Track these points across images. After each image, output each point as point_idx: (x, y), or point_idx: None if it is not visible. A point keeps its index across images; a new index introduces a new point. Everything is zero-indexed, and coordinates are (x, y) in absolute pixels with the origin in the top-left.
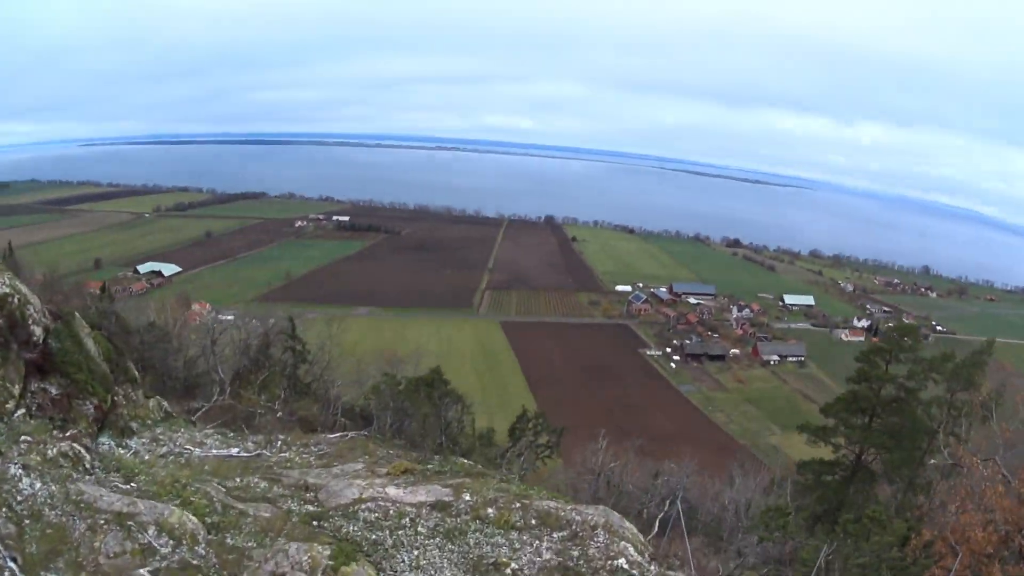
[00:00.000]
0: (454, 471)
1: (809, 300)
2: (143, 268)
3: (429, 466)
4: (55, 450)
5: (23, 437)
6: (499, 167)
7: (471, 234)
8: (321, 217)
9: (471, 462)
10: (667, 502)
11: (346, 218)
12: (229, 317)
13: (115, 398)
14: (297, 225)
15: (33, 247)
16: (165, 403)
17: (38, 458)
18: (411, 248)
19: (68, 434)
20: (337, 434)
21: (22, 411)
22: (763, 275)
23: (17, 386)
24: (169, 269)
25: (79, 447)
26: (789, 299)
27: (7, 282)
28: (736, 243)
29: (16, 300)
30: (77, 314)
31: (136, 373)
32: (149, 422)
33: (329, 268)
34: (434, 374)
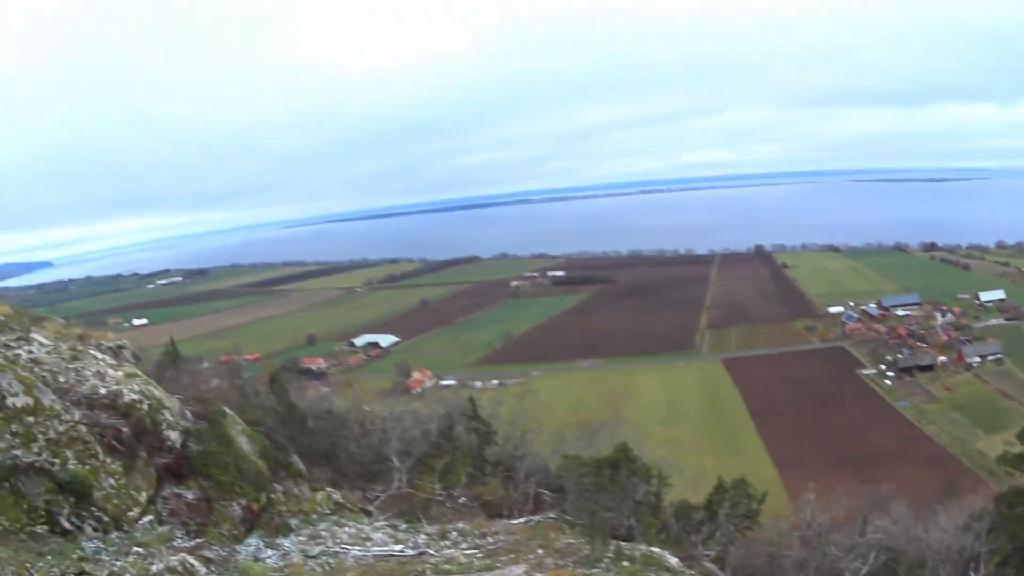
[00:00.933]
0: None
1: (1000, 294)
2: (359, 341)
3: (594, 571)
4: (161, 565)
5: (135, 548)
6: (703, 203)
7: (686, 273)
8: (536, 274)
9: (648, 548)
10: (872, 554)
11: (561, 272)
12: (451, 382)
13: (271, 496)
14: (513, 285)
15: (240, 328)
16: (337, 495)
17: (137, 573)
18: (628, 295)
19: (193, 543)
20: (521, 520)
21: (149, 518)
22: (959, 275)
23: (144, 493)
24: (387, 340)
25: (194, 560)
26: (984, 296)
27: (138, 388)
28: (933, 246)
29: (147, 406)
30: (228, 411)
31: (301, 467)
32: (315, 516)
33: (548, 324)
34: (620, 453)
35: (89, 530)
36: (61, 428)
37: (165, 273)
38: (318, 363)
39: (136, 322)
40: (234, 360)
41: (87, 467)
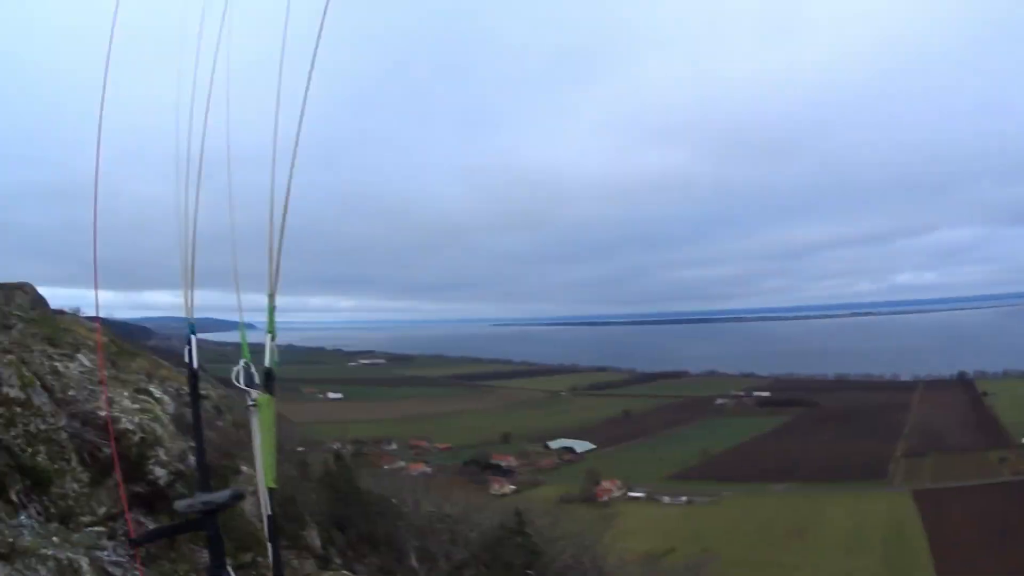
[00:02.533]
0: None
1: None
2: (554, 444)
3: None
4: (61, 555)
5: (53, 538)
6: (910, 326)
7: (887, 400)
8: (742, 393)
9: None
10: None
11: (766, 393)
12: (640, 494)
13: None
14: (717, 403)
15: (437, 418)
16: None
17: (30, 547)
18: (829, 420)
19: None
20: None
21: (100, 530)
22: None
23: (105, 508)
24: (582, 446)
25: (86, 561)
26: None
27: (137, 420)
28: None
29: (138, 438)
30: (245, 469)
31: (313, 542)
32: None
33: (747, 445)
34: None
35: (33, 511)
36: (43, 426)
37: (369, 354)
38: (508, 460)
39: (331, 395)
40: (423, 446)
41: (55, 466)
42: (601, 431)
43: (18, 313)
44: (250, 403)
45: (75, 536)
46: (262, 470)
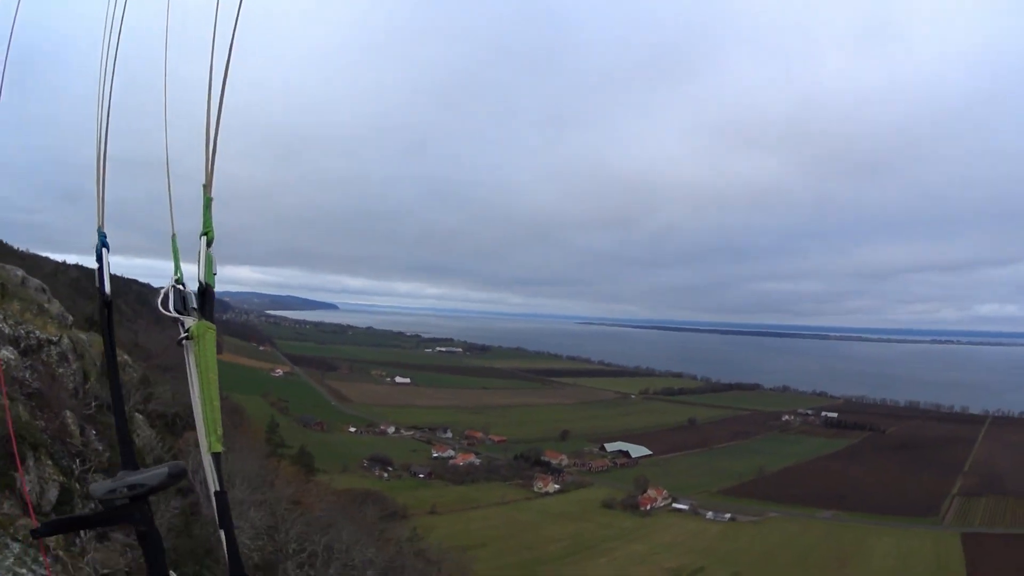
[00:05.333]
0: None
1: None
2: (611, 446)
3: None
4: None
5: None
6: (988, 359)
7: (953, 432)
8: (810, 412)
9: None
10: None
11: (834, 414)
12: (684, 507)
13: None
14: (784, 419)
15: (501, 409)
16: None
17: None
18: (891, 448)
19: None
20: None
21: None
22: None
23: None
24: (638, 451)
25: None
26: None
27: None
28: None
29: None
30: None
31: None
32: None
33: (805, 466)
34: None
35: None
36: None
37: (447, 342)
38: (560, 459)
39: (399, 379)
40: (478, 437)
41: None
42: (662, 437)
43: None
44: (183, 335)
45: None
46: (203, 427)
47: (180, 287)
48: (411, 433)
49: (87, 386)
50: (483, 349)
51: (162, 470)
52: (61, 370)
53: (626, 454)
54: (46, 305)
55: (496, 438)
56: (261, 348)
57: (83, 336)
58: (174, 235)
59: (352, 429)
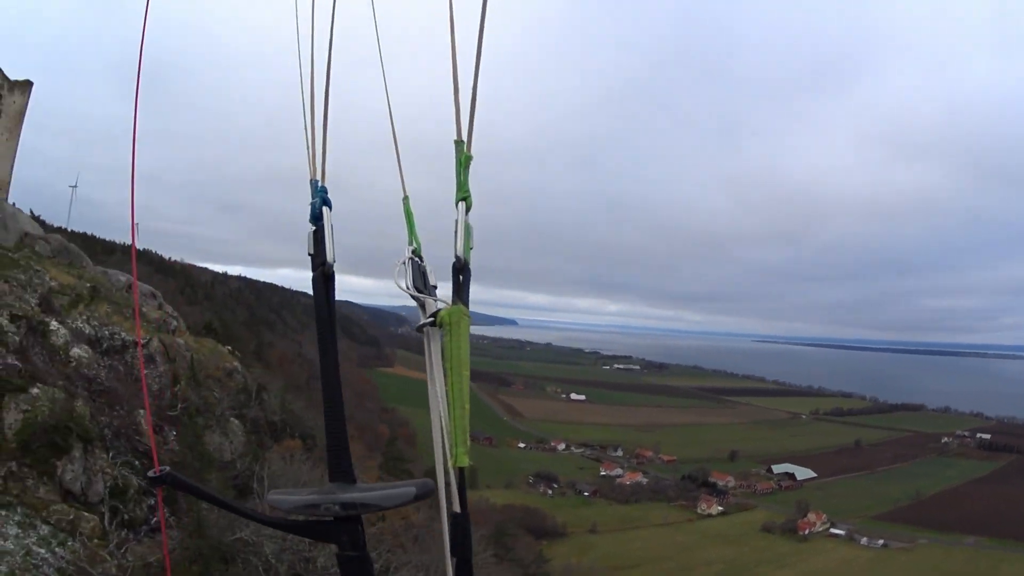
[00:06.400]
0: None
1: None
2: (777, 468)
3: None
4: None
5: None
6: None
7: None
8: (966, 434)
9: None
10: None
11: (987, 436)
12: (840, 532)
13: None
14: (943, 441)
15: (674, 428)
16: None
17: None
18: None
19: None
20: None
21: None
22: None
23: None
24: (803, 473)
25: None
26: None
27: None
28: None
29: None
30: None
31: None
32: None
33: (958, 490)
34: None
35: None
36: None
37: (625, 359)
38: (727, 480)
39: (574, 396)
40: (647, 456)
41: None
42: (828, 460)
43: None
44: (426, 320)
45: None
46: (447, 435)
47: (418, 260)
48: (581, 450)
49: (176, 388)
50: (660, 367)
51: (408, 490)
52: (146, 371)
53: (792, 476)
54: (144, 310)
55: (666, 457)
56: None
57: (180, 341)
58: (406, 196)
59: (521, 445)
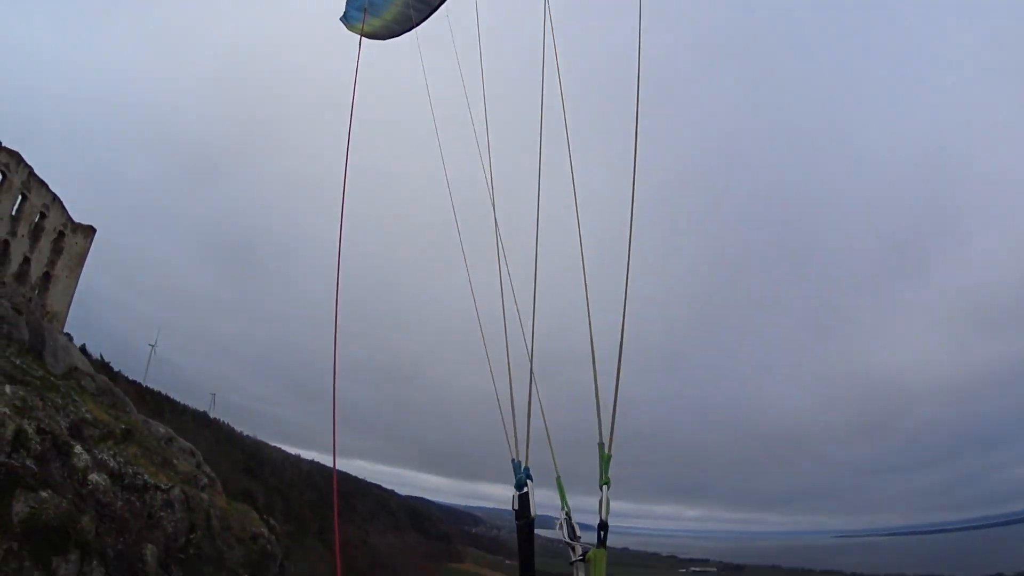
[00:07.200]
0: None
1: None
2: None
3: None
4: None
5: None
6: None
7: None
8: None
9: None
10: None
11: None
12: None
13: None
14: None
15: None
16: None
17: None
18: None
19: None
20: None
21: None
22: None
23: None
24: None
25: None
26: None
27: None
28: None
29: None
30: None
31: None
32: None
33: None
34: None
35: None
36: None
37: (703, 562)
38: None
39: None
40: None
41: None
42: None
43: None
44: (576, 558)
45: None
46: None
47: (568, 518)
48: None
49: (191, 536)
50: (738, 568)
51: None
52: (163, 514)
53: None
54: (175, 461)
55: None
56: (507, 562)
57: (204, 496)
58: (559, 476)
59: None
